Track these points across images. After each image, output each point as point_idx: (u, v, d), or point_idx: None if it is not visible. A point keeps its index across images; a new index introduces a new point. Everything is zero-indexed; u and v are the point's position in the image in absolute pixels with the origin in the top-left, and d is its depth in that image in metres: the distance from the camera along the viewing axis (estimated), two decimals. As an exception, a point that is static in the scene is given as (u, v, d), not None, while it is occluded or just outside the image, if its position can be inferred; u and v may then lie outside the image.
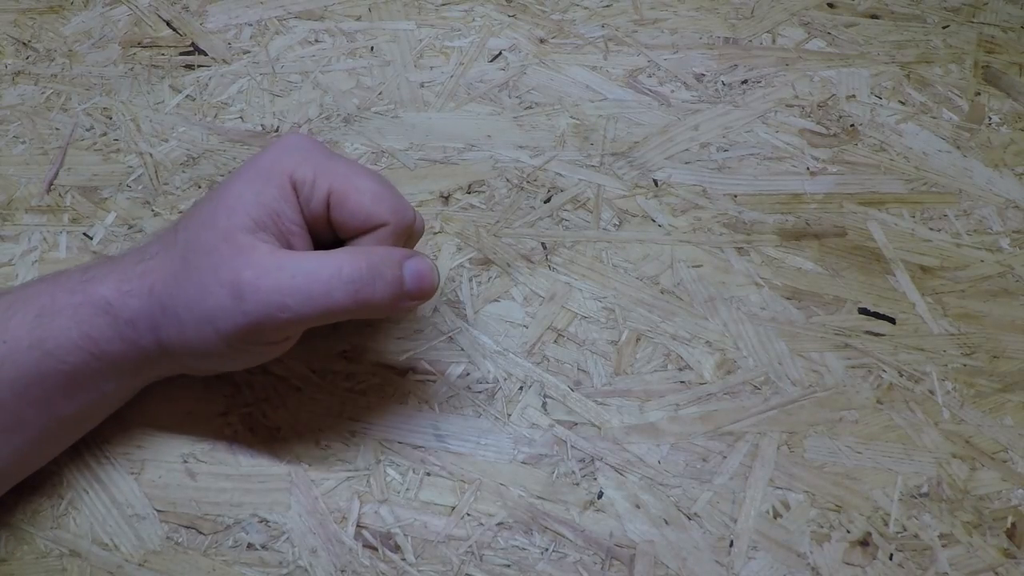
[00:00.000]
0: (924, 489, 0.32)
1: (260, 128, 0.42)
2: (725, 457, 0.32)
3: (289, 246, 0.28)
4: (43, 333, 0.27)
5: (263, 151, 0.29)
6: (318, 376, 0.34)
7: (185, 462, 0.32)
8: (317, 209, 0.28)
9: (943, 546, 0.30)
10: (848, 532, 0.31)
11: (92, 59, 0.45)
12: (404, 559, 0.30)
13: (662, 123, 0.43)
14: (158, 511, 0.31)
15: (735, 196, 0.40)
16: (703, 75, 0.45)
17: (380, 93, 0.43)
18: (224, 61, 0.45)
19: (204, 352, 0.28)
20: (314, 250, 0.29)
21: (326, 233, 0.29)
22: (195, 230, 0.27)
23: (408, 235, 0.29)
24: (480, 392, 0.34)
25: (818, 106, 0.44)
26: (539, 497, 0.31)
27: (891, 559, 0.30)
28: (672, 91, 0.44)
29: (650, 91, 0.44)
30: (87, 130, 0.42)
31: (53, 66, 0.45)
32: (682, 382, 0.34)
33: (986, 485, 0.32)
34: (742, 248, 0.38)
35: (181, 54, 0.45)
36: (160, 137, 0.41)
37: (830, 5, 0.49)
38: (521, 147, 0.41)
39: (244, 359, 0.29)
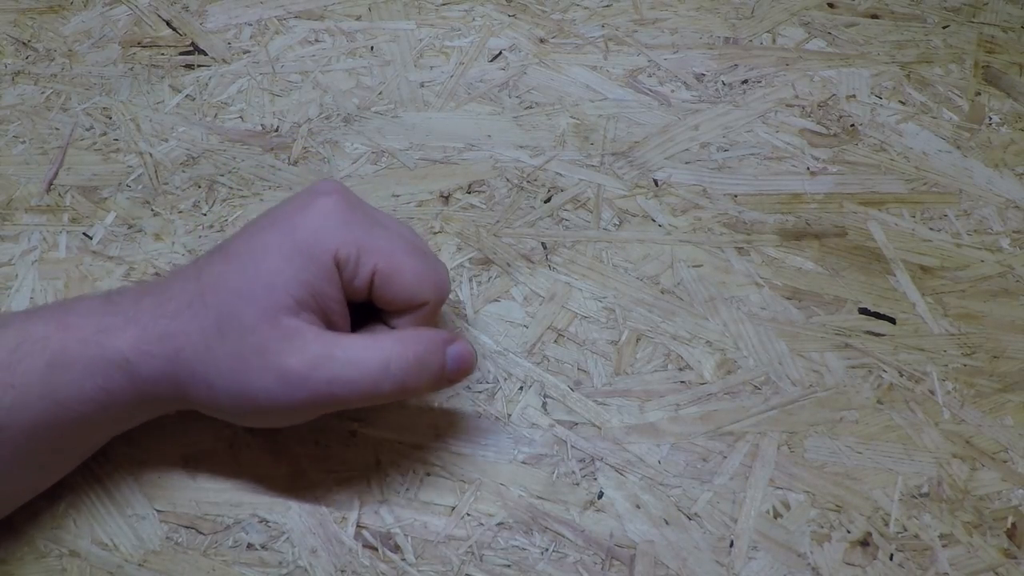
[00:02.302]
0: (924, 489, 0.32)
1: (260, 128, 0.42)
2: (725, 457, 0.32)
3: (329, 323, 0.28)
4: (55, 384, 0.26)
5: (300, 216, 0.28)
6: (318, 376, 0.34)
7: (185, 462, 0.32)
8: (360, 287, 0.28)
9: (943, 546, 0.30)
10: (848, 532, 0.31)
11: (92, 59, 0.45)
12: (404, 559, 0.30)
13: (662, 123, 0.43)
14: (158, 511, 0.31)
15: (735, 196, 0.40)
16: (703, 75, 0.45)
17: (380, 93, 0.43)
18: (224, 61, 0.45)
19: (234, 416, 0.28)
20: (351, 326, 0.29)
21: (362, 297, 0.29)
22: (229, 300, 0.27)
23: (439, 304, 0.30)
24: (480, 392, 0.34)
25: (818, 106, 0.44)
26: (539, 497, 0.31)
27: (891, 559, 0.30)
28: (672, 91, 0.44)
29: (650, 91, 0.44)
30: (87, 130, 0.42)
31: (53, 66, 0.45)
32: (682, 382, 0.34)
33: (986, 485, 0.32)
34: (742, 248, 0.38)
35: (181, 54, 0.45)
36: (160, 137, 0.41)
37: (830, 5, 0.49)
38: (521, 147, 0.41)
39: (273, 424, 0.30)
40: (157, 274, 0.37)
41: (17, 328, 0.27)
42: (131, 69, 0.44)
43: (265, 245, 0.27)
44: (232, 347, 0.26)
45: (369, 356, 0.27)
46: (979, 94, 0.44)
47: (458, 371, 0.29)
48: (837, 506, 0.31)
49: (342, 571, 0.29)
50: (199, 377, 0.27)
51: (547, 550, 0.30)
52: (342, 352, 0.27)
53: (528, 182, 0.40)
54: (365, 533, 0.30)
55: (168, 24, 0.47)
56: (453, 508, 0.31)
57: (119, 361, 0.27)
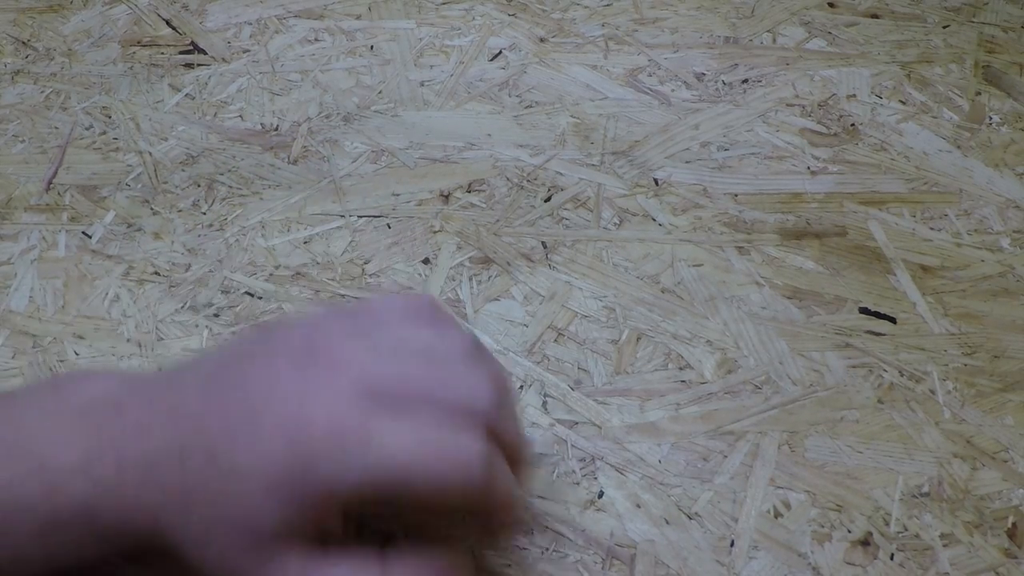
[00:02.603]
0: (925, 489, 0.32)
1: (260, 127, 0.42)
2: (726, 456, 0.32)
3: (325, 544, 0.24)
4: (50, 550, 0.24)
5: (283, 437, 0.23)
6: (318, 375, 0.34)
7: (184, 461, 0.32)
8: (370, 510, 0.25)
9: (944, 546, 0.30)
10: (849, 532, 0.31)
11: (91, 58, 0.45)
12: (404, 559, 0.30)
13: (662, 122, 0.43)
14: (157, 510, 0.30)
15: (736, 195, 0.40)
16: (703, 74, 0.45)
17: (380, 92, 0.43)
18: (224, 60, 0.45)
19: None
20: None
21: None
22: (212, 514, 0.23)
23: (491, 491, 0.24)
24: (480, 391, 0.33)
25: (819, 105, 0.44)
26: (539, 496, 0.31)
27: (892, 559, 0.30)
28: (672, 90, 0.44)
29: (650, 90, 0.44)
30: (86, 129, 0.42)
31: (52, 65, 0.44)
32: (683, 381, 0.34)
33: (987, 485, 0.32)
34: (743, 247, 0.38)
35: (181, 53, 0.45)
36: (159, 136, 0.41)
37: (830, 5, 0.49)
38: (521, 146, 0.41)
39: None
40: (156, 273, 0.37)
41: (3, 483, 0.24)
42: (131, 68, 0.44)
43: (244, 467, 0.23)
44: (215, 560, 0.23)
45: None
46: (979, 94, 0.44)
47: None
48: (838, 506, 0.31)
49: (342, 570, 0.29)
50: (184, 566, 0.24)
51: (547, 549, 0.30)
52: None
53: (528, 181, 0.40)
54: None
55: (168, 23, 0.47)
56: (453, 507, 0.31)
57: (112, 535, 0.24)
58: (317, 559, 0.23)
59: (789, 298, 0.36)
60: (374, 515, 0.25)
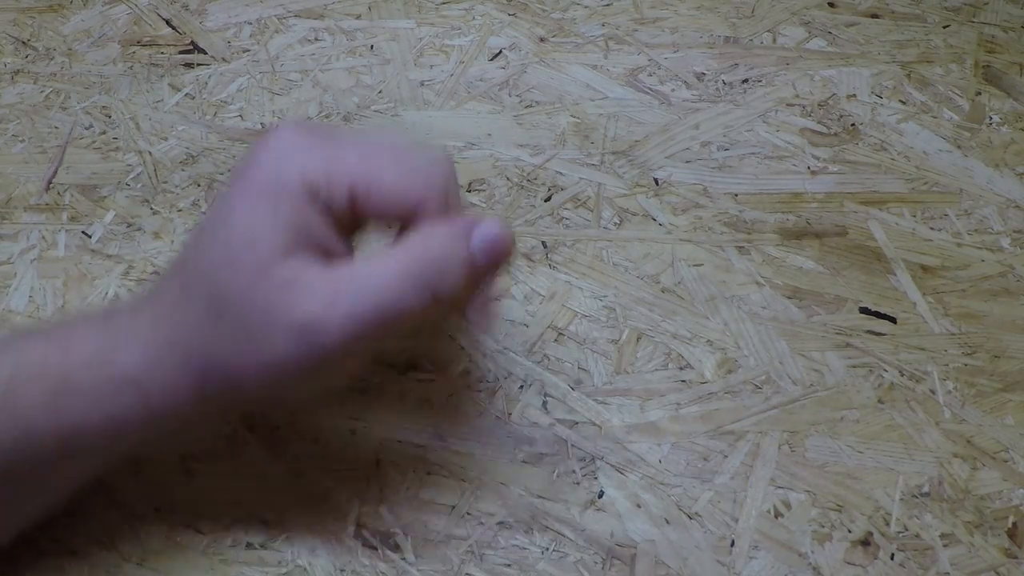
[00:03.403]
0: (925, 489, 0.32)
1: (260, 126, 0.42)
2: (726, 456, 0.32)
3: (327, 253, 0.24)
4: (61, 418, 0.24)
5: (251, 159, 0.24)
6: (318, 375, 0.34)
7: (185, 462, 0.32)
8: (341, 211, 0.24)
9: (944, 546, 0.30)
10: (849, 532, 0.31)
11: (91, 58, 0.45)
12: (404, 559, 0.30)
13: (663, 122, 0.43)
14: (157, 511, 0.30)
15: (736, 195, 0.40)
16: (704, 74, 0.45)
17: (380, 92, 0.43)
18: (224, 60, 0.45)
19: (272, 400, 0.25)
20: (351, 247, 0.26)
21: (358, 225, 0.26)
22: (212, 277, 0.23)
23: (448, 190, 0.25)
24: (480, 391, 0.34)
25: (819, 105, 0.44)
26: (539, 496, 0.31)
27: (892, 559, 0.30)
28: (673, 90, 0.44)
29: (650, 90, 0.44)
30: (86, 128, 0.42)
31: (52, 65, 0.44)
32: (683, 381, 0.34)
33: (987, 485, 0.32)
34: (743, 247, 0.38)
35: (180, 52, 0.45)
36: (159, 135, 0.41)
37: (831, 4, 0.49)
38: (521, 146, 0.41)
39: (321, 390, 0.27)
40: (156, 272, 0.37)
41: (11, 353, 0.24)
42: (131, 68, 0.44)
43: (231, 201, 0.24)
44: (234, 324, 0.23)
45: (382, 272, 0.23)
46: (979, 94, 0.44)
47: (491, 254, 0.25)
48: (838, 506, 0.31)
49: (342, 571, 0.29)
50: (216, 372, 0.24)
51: (547, 549, 0.30)
52: (351, 281, 0.23)
53: (528, 181, 0.40)
54: (365, 533, 0.30)
55: (168, 23, 0.47)
56: (453, 507, 0.31)
57: (128, 380, 0.24)
58: (332, 265, 0.24)
59: (789, 298, 0.36)
60: (350, 216, 0.25)
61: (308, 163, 0.24)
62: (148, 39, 0.46)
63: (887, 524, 0.31)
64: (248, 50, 0.45)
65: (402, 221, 0.25)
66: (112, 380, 0.24)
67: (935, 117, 0.43)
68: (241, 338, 0.23)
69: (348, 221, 0.25)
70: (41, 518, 0.28)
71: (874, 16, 0.48)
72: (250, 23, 0.47)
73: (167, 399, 0.24)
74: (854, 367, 0.34)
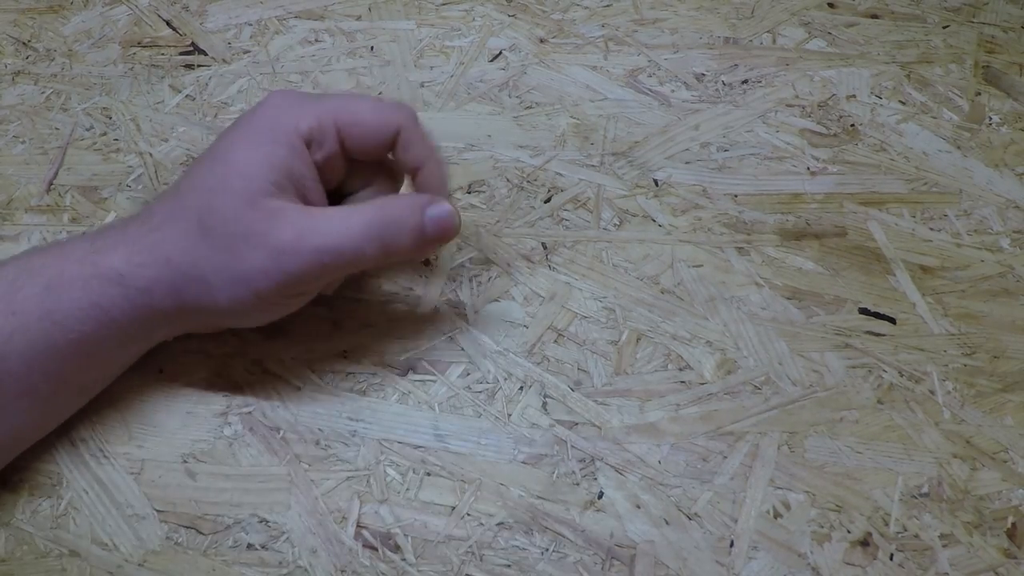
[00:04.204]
0: (924, 489, 0.32)
1: (260, 128, 0.42)
2: (725, 457, 0.32)
3: (306, 200, 0.29)
4: (52, 305, 0.27)
5: (255, 111, 0.30)
6: (318, 376, 0.34)
7: (185, 462, 0.32)
8: (331, 150, 0.30)
9: (944, 546, 0.30)
10: (848, 532, 0.31)
11: (92, 59, 0.45)
12: (404, 559, 0.30)
13: (662, 123, 0.43)
14: (158, 511, 0.31)
15: (735, 196, 0.40)
16: (703, 75, 0.45)
17: (380, 93, 0.43)
18: (224, 61, 0.45)
19: (233, 311, 0.29)
20: (327, 201, 0.31)
21: (339, 173, 0.31)
22: (206, 197, 0.28)
23: (415, 122, 0.31)
24: (480, 392, 0.34)
25: (818, 106, 0.44)
26: (539, 497, 0.31)
27: (891, 559, 0.30)
28: (672, 91, 0.44)
29: (650, 91, 0.44)
30: (87, 130, 0.42)
31: (53, 66, 0.45)
32: (682, 382, 0.34)
33: (986, 485, 0.32)
34: (742, 248, 0.38)
35: (181, 54, 0.45)
36: (160, 137, 0.41)
37: (830, 5, 0.49)
38: (521, 147, 0.41)
39: (271, 313, 0.31)
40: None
41: (16, 263, 0.28)
42: (131, 69, 0.44)
43: (230, 141, 0.29)
44: (219, 239, 0.28)
45: (351, 222, 0.28)
46: (979, 94, 0.44)
47: (439, 231, 0.30)
48: (837, 506, 0.31)
49: (342, 571, 0.29)
50: (193, 276, 0.28)
51: (547, 550, 0.30)
52: (325, 222, 0.28)
53: (528, 182, 0.40)
54: (365, 533, 0.30)
55: (168, 24, 0.47)
56: (453, 508, 0.31)
57: (112, 276, 0.28)
58: (309, 207, 0.29)
59: (789, 298, 0.36)
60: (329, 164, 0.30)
61: (301, 115, 0.29)
62: (148, 40, 0.46)
63: (886, 524, 0.31)
64: (248, 51, 0.45)
65: (387, 151, 0.31)
66: (99, 276, 0.28)
67: (935, 117, 0.43)
68: (222, 250, 0.28)
69: (339, 163, 0.30)
70: (29, 432, 0.30)
71: (874, 16, 0.48)
72: (250, 24, 0.47)
73: (147, 296, 0.28)
74: (853, 368, 0.34)
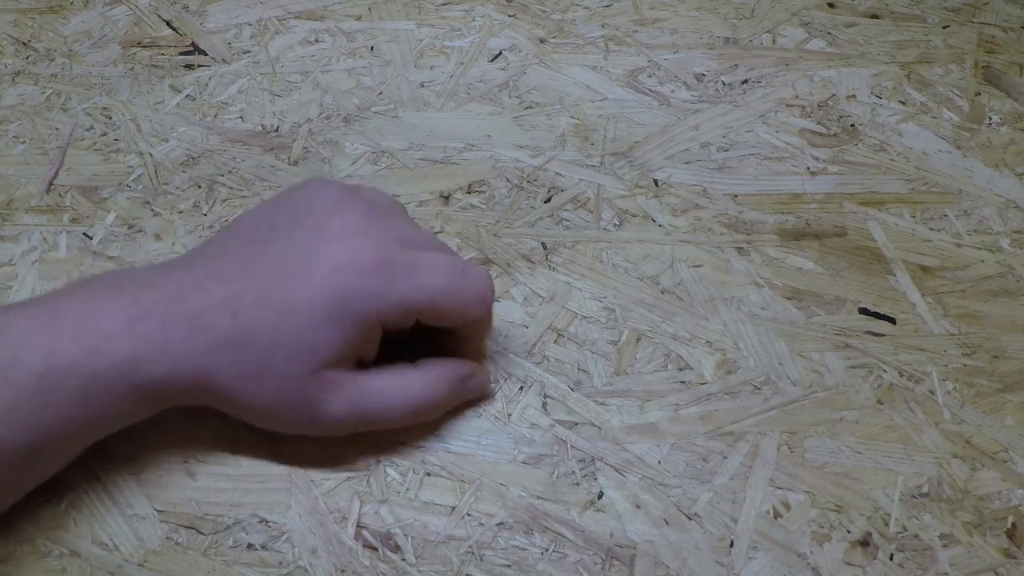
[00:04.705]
0: (924, 489, 0.32)
1: (260, 128, 0.42)
2: (725, 457, 0.32)
3: (363, 363, 0.30)
4: (89, 407, 0.26)
5: (342, 272, 0.27)
6: (318, 376, 0.34)
7: (185, 462, 0.32)
8: (405, 327, 0.29)
9: (943, 546, 0.30)
10: (848, 532, 0.31)
11: (92, 59, 0.45)
12: (404, 559, 0.30)
13: (662, 123, 0.43)
14: (158, 511, 0.31)
15: (735, 196, 0.40)
16: (703, 75, 0.45)
17: (380, 93, 0.43)
18: (224, 61, 0.45)
19: (254, 421, 0.30)
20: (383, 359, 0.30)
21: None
22: (271, 351, 0.27)
23: (489, 313, 0.31)
24: (480, 392, 0.34)
25: (818, 106, 0.44)
26: (539, 497, 0.31)
27: (891, 559, 0.30)
28: (672, 91, 0.44)
29: (650, 91, 0.44)
30: (87, 130, 0.42)
31: (53, 66, 0.45)
32: (682, 382, 0.34)
33: (986, 485, 0.32)
34: (742, 248, 0.38)
35: (181, 54, 0.45)
36: (160, 137, 0.41)
37: (830, 5, 0.49)
38: (521, 147, 0.41)
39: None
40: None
41: (41, 349, 0.26)
42: (131, 69, 0.44)
43: (310, 307, 0.27)
44: (273, 393, 0.28)
45: (399, 400, 0.30)
46: (979, 94, 0.44)
47: (473, 396, 0.33)
48: (837, 506, 0.31)
49: (342, 571, 0.29)
50: (233, 404, 0.29)
51: (547, 550, 0.30)
52: (375, 399, 0.29)
53: (528, 182, 0.40)
54: (365, 533, 0.30)
55: (168, 24, 0.47)
56: (453, 508, 0.31)
57: (153, 387, 0.27)
58: (364, 376, 0.29)
59: (789, 299, 0.36)
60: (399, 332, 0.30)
61: (388, 305, 0.28)
62: (149, 40, 0.46)
63: (886, 524, 0.31)
64: (248, 51, 0.45)
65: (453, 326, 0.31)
66: (138, 388, 0.27)
67: (935, 117, 0.43)
68: (271, 405, 0.28)
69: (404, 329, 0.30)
70: (39, 479, 0.30)
71: (874, 17, 0.48)
72: (250, 24, 0.47)
73: (183, 399, 0.28)
74: (853, 368, 0.34)
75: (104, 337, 0.26)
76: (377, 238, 0.28)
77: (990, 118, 0.43)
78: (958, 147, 0.42)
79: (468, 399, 0.32)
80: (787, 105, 0.44)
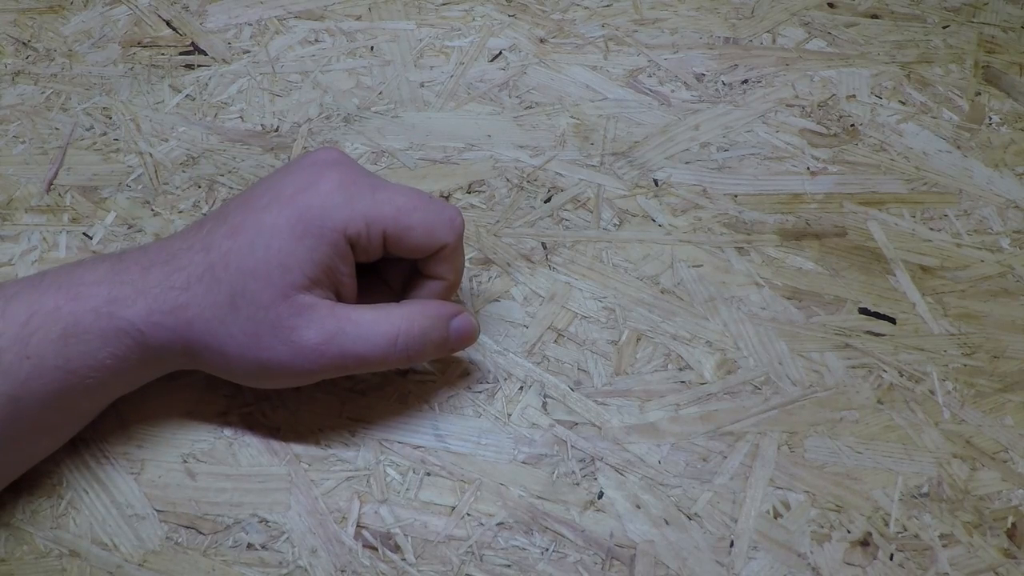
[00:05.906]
0: (924, 489, 0.32)
1: (260, 128, 0.42)
2: (725, 457, 0.32)
3: (339, 294, 0.29)
4: (69, 353, 0.27)
5: (306, 195, 0.28)
6: (318, 376, 0.34)
7: (185, 462, 0.32)
8: (374, 253, 0.29)
9: (943, 546, 0.30)
10: (848, 532, 0.31)
11: (92, 59, 0.45)
12: (404, 559, 0.30)
13: (662, 123, 0.43)
14: (158, 511, 0.31)
15: (735, 196, 0.40)
16: (703, 75, 0.45)
17: (380, 93, 0.43)
18: (224, 61, 0.45)
19: (243, 379, 0.30)
20: (359, 298, 0.30)
21: (373, 258, 0.30)
22: (242, 279, 0.28)
23: (460, 240, 0.31)
24: (480, 392, 0.34)
25: (818, 106, 0.44)
26: (539, 497, 0.31)
27: (891, 559, 0.30)
28: (672, 91, 0.44)
29: (650, 91, 0.44)
30: (87, 130, 0.42)
31: (53, 66, 0.45)
32: (682, 382, 0.34)
33: (986, 485, 0.32)
34: (742, 248, 0.38)
35: (181, 54, 0.45)
36: (160, 137, 0.41)
37: (830, 5, 0.49)
38: (521, 147, 0.41)
39: (282, 386, 0.32)
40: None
41: (27, 300, 0.27)
42: (131, 69, 0.44)
43: (275, 225, 0.28)
44: (246, 322, 0.28)
45: (378, 331, 0.29)
46: (979, 94, 0.44)
47: (460, 341, 0.31)
48: (837, 506, 0.31)
49: (342, 571, 0.29)
50: (212, 347, 0.28)
51: (547, 550, 0.30)
52: (353, 328, 0.28)
53: (528, 182, 0.40)
54: (365, 533, 0.30)
55: (168, 24, 0.47)
56: (453, 508, 0.31)
57: (131, 331, 0.28)
58: (342, 306, 0.29)
59: (789, 299, 0.36)
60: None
61: (352, 216, 0.28)
62: (149, 40, 0.46)
63: (886, 524, 0.31)
64: (248, 51, 0.45)
65: (424, 257, 0.31)
66: (116, 329, 0.28)
67: (935, 117, 0.43)
68: (247, 334, 0.28)
69: (376, 257, 0.30)
70: (41, 455, 0.30)
71: (874, 17, 0.48)
72: (250, 24, 0.47)
73: (163, 351, 0.29)
74: (853, 368, 0.34)
75: (87, 284, 0.28)
76: (344, 168, 0.29)
77: (990, 118, 0.43)
78: (958, 147, 0.42)
79: (455, 345, 0.31)
80: (787, 105, 0.44)
